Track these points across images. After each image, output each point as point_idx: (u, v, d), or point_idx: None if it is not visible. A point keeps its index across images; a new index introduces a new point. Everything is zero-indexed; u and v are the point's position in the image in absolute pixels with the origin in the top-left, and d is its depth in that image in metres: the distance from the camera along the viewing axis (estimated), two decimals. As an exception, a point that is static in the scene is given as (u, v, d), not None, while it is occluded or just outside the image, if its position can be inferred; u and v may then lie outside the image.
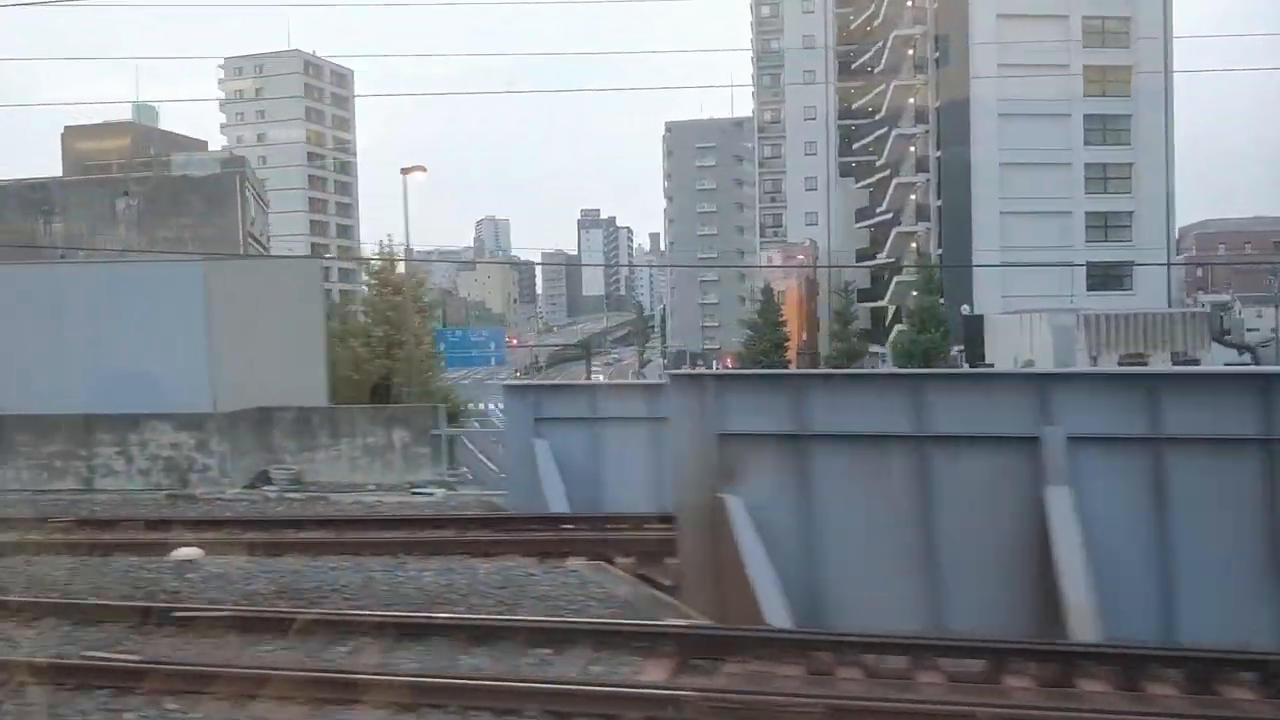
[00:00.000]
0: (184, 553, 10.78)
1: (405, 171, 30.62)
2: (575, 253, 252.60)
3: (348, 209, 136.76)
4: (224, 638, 8.81)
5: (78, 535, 13.33)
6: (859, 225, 75.10)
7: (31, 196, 65.68)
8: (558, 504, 14.27)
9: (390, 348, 31.96)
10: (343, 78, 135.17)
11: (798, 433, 9.49)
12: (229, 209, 66.21)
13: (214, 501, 15.54)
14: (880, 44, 68.89)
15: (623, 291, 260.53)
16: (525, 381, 40.72)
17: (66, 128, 68.82)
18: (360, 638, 8.68)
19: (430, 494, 15.67)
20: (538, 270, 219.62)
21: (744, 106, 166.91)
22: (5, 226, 67.59)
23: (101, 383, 16.72)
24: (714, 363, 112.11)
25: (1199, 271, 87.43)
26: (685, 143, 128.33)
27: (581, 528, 12.23)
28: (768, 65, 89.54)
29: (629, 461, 14.97)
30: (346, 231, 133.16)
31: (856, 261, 74.91)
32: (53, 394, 17.16)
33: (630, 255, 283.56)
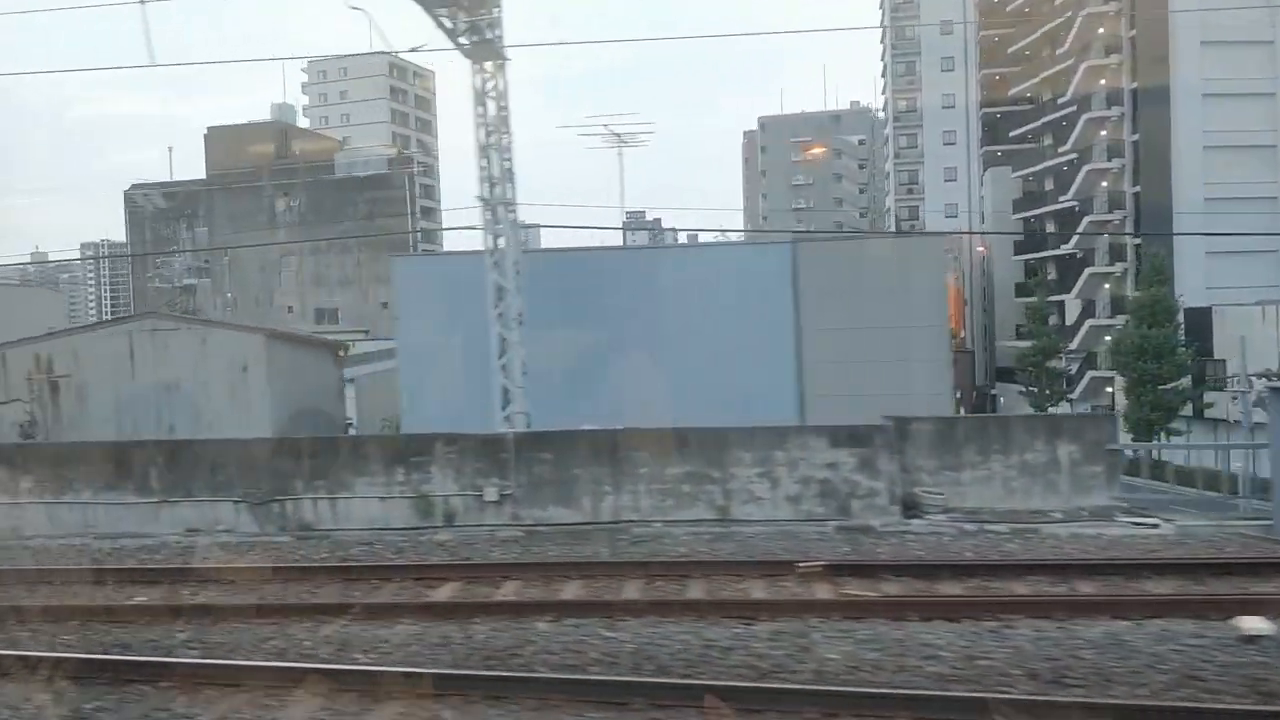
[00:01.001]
0: (1251, 625, 7.89)
1: (806, 148, 27.71)
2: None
3: (430, 213, 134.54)
4: None
5: (861, 586, 10.52)
6: (1019, 215, 71.86)
7: (210, 201, 63.54)
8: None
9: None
10: (425, 79, 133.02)
11: None
12: (393, 207, 63.99)
13: (903, 536, 12.68)
14: (1051, 26, 65.70)
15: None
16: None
17: (209, 128, 66.52)
18: None
19: (1154, 524, 12.81)
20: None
21: (836, 100, 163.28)
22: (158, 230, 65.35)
23: (674, 386, 13.98)
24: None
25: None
26: (779, 137, 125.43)
27: None
28: (902, 52, 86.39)
29: None
30: (431, 236, 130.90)
31: (1017, 254, 71.89)
32: (618, 404, 14.47)
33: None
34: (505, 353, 14.51)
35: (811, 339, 15.38)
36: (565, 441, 13.81)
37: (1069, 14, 62.71)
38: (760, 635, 9.06)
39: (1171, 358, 49.47)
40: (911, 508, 13.66)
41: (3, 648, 9.36)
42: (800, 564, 11.12)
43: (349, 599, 10.94)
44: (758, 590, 10.69)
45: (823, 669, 8.17)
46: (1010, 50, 72.73)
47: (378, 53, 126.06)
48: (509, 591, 11.02)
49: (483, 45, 14.26)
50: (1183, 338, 51.79)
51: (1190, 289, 55.83)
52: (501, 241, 14.67)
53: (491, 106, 14.61)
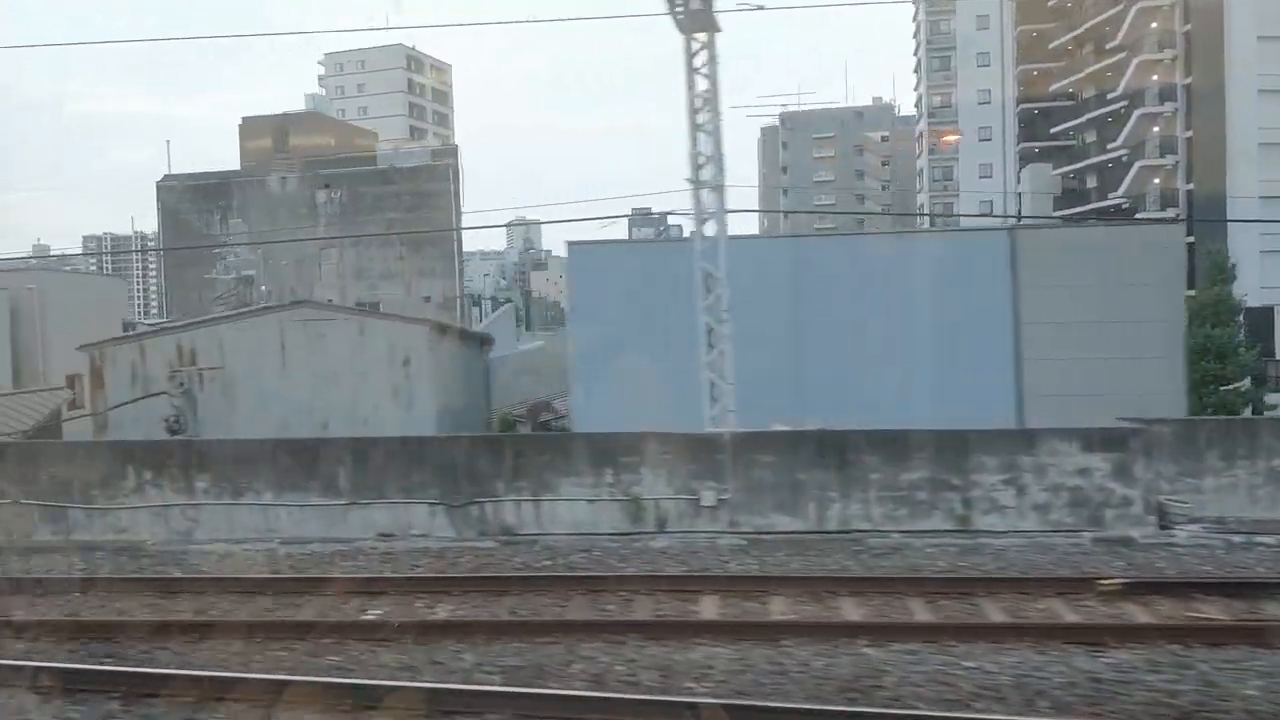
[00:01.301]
0: None
1: (937, 135, 26.70)
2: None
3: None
4: None
5: (1179, 607, 9.57)
6: (1060, 213, 70.94)
7: (245, 192, 62.34)
8: None
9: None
10: (442, 72, 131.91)
11: None
12: (437, 201, 62.76)
13: (1172, 550, 11.71)
14: (1094, 21, 64.83)
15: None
16: None
17: (244, 119, 65.24)
18: None
19: None
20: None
21: (855, 97, 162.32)
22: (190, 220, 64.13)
23: (878, 383, 13.05)
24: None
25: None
26: (801, 133, 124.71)
27: None
28: (936, 47, 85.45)
29: None
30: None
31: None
32: (816, 402, 13.56)
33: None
34: (714, 346, 13.56)
35: (1032, 334, 14.46)
36: (788, 443, 12.83)
37: (1117, 8, 61.80)
38: (1137, 665, 8.12)
39: (1235, 358, 48.65)
40: (1161, 516, 12.70)
41: (274, 669, 8.39)
42: (1100, 582, 10.17)
43: (606, 614, 9.99)
44: (1067, 611, 9.73)
45: (1252, 708, 7.23)
46: (1051, 46, 71.82)
47: (395, 44, 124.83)
48: (783, 608, 10.06)
49: (696, 14, 13.30)
50: (1243, 337, 51.01)
51: (1246, 288, 55.04)
52: (709, 228, 13.73)
53: (701, 82, 13.65)
